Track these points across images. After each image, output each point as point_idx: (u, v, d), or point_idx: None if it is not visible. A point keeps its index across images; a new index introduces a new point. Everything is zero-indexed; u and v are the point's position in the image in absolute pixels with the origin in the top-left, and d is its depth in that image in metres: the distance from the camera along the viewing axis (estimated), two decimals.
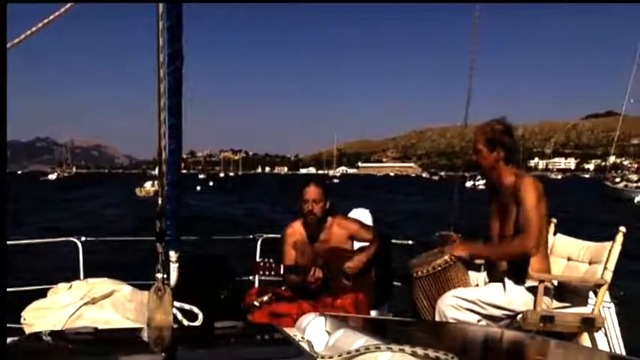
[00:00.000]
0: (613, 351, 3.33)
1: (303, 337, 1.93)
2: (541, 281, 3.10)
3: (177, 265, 3.31)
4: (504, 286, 3.19)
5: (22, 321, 2.69)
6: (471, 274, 3.48)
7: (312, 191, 3.83)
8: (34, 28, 2.24)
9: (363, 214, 4.40)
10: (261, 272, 3.66)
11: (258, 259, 3.73)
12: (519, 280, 3.20)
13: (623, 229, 3.23)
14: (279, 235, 4.58)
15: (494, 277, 3.35)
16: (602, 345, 3.30)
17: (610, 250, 3.23)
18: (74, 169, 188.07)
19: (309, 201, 3.81)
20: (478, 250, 3.37)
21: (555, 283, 3.35)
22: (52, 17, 2.29)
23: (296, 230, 3.96)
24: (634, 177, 47.45)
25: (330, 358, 1.58)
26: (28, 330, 2.57)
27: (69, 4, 2.27)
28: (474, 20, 4.18)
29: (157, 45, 1.68)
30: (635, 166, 52.27)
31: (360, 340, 1.62)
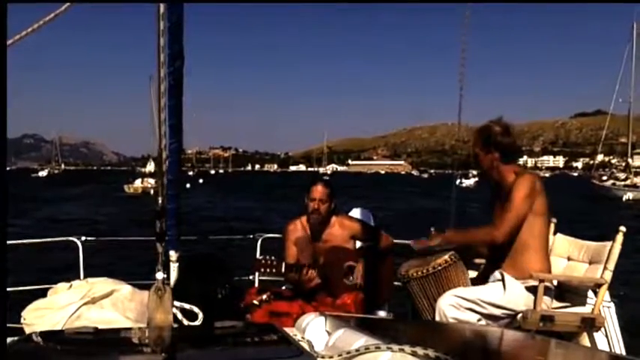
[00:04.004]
0: (613, 351, 3.33)
1: (303, 337, 1.93)
2: (541, 281, 3.10)
3: (177, 264, 3.32)
4: (504, 285, 3.20)
5: (22, 321, 2.68)
6: (471, 273, 3.48)
7: (319, 190, 3.85)
8: (35, 25, 2.25)
9: (364, 214, 4.39)
10: (262, 270, 3.67)
11: (259, 257, 3.73)
12: (520, 279, 3.20)
13: (623, 229, 3.23)
14: (278, 235, 4.58)
15: (492, 272, 3.35)
16: (602, 345, 3.30)
17: (610, 250, 3.23)
18: (63, 166, 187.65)
19: (315, 200, 3.82)
20: (451, 236, 3.39)
21: (555, 283, 3.35)
22: (52, 15, 2.29)
23: (298, 227, 3.97)
24: (621, 175, 47.59)
25: (330, 358, 1.58)
26: (28, 330, 2.56)
27: (67, 4, 2.27)
28: (465, 20, 4.19)
29: (158, 45, 1.68)
30: (623, 164, 52.38)
31: (360, 340, 1.62)
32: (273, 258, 3.67)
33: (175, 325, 2.00)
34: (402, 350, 1.47)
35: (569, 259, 3.53)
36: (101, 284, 2.80)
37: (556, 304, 3.32)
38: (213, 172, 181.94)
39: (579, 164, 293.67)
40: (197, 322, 2.20)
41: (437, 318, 3.12)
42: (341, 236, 3.88)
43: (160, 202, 1.76)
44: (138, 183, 48.44)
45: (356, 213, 4.38)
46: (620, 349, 3.42)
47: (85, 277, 3.82)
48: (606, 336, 3.37)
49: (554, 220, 3.59)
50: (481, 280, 3.44)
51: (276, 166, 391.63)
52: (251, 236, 4.98)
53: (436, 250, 3.35)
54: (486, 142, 3.34)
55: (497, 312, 3.17)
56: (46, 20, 2.28)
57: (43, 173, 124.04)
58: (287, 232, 4.00)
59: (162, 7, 1.69)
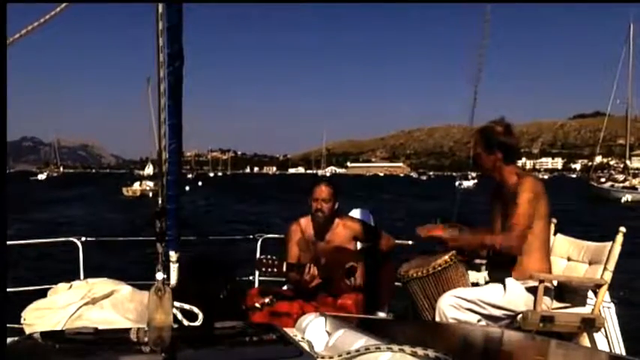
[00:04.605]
0: (613, 351, 3.33)
1: (303, 337, 1.93)
2: (541, 281, 3.10)
3: (177, 265, 3.32)
4: (504, 286, 3.19)
5: (22, 321, 2.68)
6: (471, 273, 3.48)
7: (322, 190, 3.85)
8: (29, 27, 2.24)
9: (364, 215, 4.40)
10: (263, 269, 3.67)
11: (260, 256, 3.73)
12: (520, 280, 3.20)
13: (623, 229, 3.23)
14: (278, 235, 4.58)
15: (495, 276, 3.35)
16: (602, 345, 3.30)
17: (610, 251, 3.23)
18: (62, 169, 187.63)
19: (318, 199, 3.83)
20: (464, 241, 3.34)
21: (555, 283, 3.34)
22: (47, 17, 2.29)
23: (301, 228, 3.97)
24: (620, 177, 47.59)
25: (330, 358, 1.58)
26: (28, 330, 2.56)
27: (64, 4, 2.27)
28: (486, 18, 4.15)
29: (157, 45, 1.68)
30: (621, 166, 52.42)
31: (360, 340, 1.63)
32: (274, 257, 3.67)
33: (175, 326, 2.00)
34: (402, 350, 1.47)
35: (569, 259, 3.52)
36: (101, 284, 2.81)
37: (556, 304, 3.32)
38: (212, 174, 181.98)
39: (578, 166, 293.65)
40: (197, 323, 2.20)
41: (437, 318, 3.12)
42: (344, 237, 3.89)
43: (160, 202, 1.76)
44: (136, 186, 48.23)
45: (355, 213, 4.39)
46: (620, 349, 3.42)
47: (85, 277, 3.82)
48: (606, 336, 3.37)
49: (554, 220, 3.59)
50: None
51: (274, 169, 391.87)
52: (251, 236, 4.99)
53: (436, 251, 3.34)
54: (489, 143, 3.32)
55: (498, 312, 3.16)
56: (41, 22, 2.28)
57: (42, 176, 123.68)
58: (290, 233, 4.00)
59: (161, 7, 1.68)
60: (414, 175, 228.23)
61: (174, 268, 3.31)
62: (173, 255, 3.30)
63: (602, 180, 49.25)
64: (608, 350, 3.29)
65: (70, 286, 2.85)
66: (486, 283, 3.47)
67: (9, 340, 1.51)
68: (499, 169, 3.33)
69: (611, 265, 3.21)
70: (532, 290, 3.15)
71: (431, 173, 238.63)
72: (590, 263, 3.38)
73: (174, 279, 3.27)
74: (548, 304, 3.21)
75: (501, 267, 3.31)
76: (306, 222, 3.97)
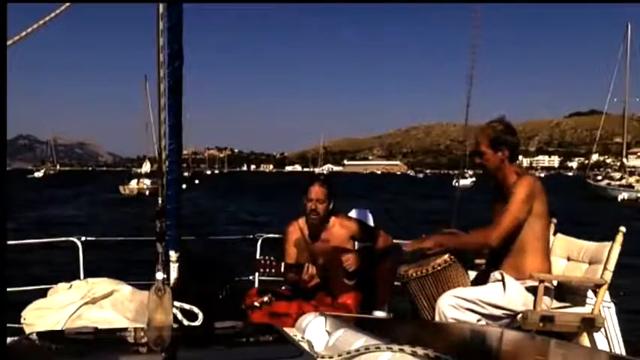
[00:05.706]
0: (613, 351, 3.33)
1: (303, 337, 1.94)
2: (541, 281, 3.10)
3: (177, 265, 3.31)
4: (504, 285, 3.19)
5: (22, 321, 2.68)
6: (471, 273, 3.48)
7: (316, 191, 3.84)
8: (29, 29, 2.24)
9: (363, 215, 4.40)
10: (262, 270, 3.67)
11: (259, 257, 3.74)
12: (519, 279, 3.20)
13: (623, 229, 3.23)
14: (278, 235, 4.58)
15: (494, 276, 3.35)
16: (602, 345, 3.30)
17: (610, 250, 3.23)
18: (58, 167, 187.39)
19: (313, 200, 3.82)
20: (445, 240, 3.39)
21: (555, 283, 3.34)
22: (48, 18, 2.29)
23: (298, 228, 3.97)
24: (616, 175, 47.67)
25: (330, 358, 1.59)
26: (28, 330, 2.56)
27: (65, 5, 2.27)
28: (474, 17, 4.16)
29: (157, 45, 1.68)
30: (618, 164, 52.59)
31: (360, 340, 1.63)
32: (272, 258, 3.67)
33: (175, 326, 2.00)
34: (402, 350, 1.47)
35: (569, 259, 3.53)
36: (101, 284, 2.80)
37: (556, 304, 3.32)
38: (209, 172, 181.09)
39: (574, 164, 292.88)
40: (197, 323, 2.20)
41: (437, 318, 3.12)
42: (340, 236, 3.88)
43: (160, 202, 1.76)
44: (133, 184, 47.82)
45: (354, 213, 4.39)
46: (620, 349, 3.42)
47: (85, 277, 3.82)
48: (606, 336, 3.37)
49: (554, 220, 3.59)
50: (481, 280, 3.44)
51: (271, 167, 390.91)
52: (251, 236, 4.99)
53: (430, 254, 3.34)
54: (496, 141, 3.33)
55: (497, 312, 3.16)
56: (45, 20, 2.28)
57: (38, 174, 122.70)
58: (287, 233, 4.00)
59: (161, 7, 1.68)
60: (411, 173, 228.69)
61: (174, 268, 3.30)
62: (173, 255, 3.29)
63: (599, 178, 49.36)
64: (608, 350, 3.29)
65: (70, 286, 2.85)
66: (480, 277, 3.47)
67: (9, 339, 1.51)
68: (504, 167, 3.34)
69: (611, 265, 3.21)
70: (532, 290, 3.15)
71: (428, 171, 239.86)
72: (590, 263, 3.38)
73: (174, 279, 3.27)
74: (548, 303, 3.21)
75: (498, 265, 3.32)
76: (303, 222, 3.97)
